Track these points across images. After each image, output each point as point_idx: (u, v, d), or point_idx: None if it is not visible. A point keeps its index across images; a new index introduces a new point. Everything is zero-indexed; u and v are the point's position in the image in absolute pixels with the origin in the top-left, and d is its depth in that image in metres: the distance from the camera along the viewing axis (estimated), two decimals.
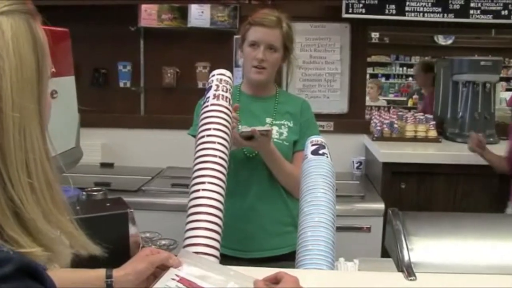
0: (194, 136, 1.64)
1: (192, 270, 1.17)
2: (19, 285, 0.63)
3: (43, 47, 0.76)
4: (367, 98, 6.23)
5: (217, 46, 3.61)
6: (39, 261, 0.68)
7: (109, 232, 1.27)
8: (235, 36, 3.43)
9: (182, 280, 1.13)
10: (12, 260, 0.64)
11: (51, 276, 0.82)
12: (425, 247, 1.56)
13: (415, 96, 6.67)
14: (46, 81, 0.77)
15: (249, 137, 1.88)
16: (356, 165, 3.55)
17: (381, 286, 1.43)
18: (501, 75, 4.87)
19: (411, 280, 1.43)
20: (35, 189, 0.71)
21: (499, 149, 3.28)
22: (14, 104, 0.69)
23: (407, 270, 1.46)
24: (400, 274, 1.47)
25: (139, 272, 1.15)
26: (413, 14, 3.35)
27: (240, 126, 1.85)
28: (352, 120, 3.63)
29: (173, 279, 1.14)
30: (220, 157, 1.52)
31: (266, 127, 1.93)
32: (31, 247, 0.69)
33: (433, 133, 3.42)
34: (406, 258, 1.49)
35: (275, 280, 1.12)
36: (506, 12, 3.33)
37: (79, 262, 1.17)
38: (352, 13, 3.36)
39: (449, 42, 8.15)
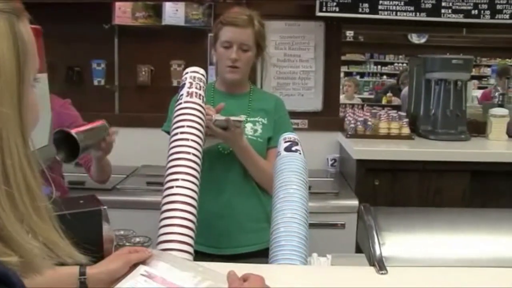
0: (168, 132, 1.65)
1: (162, 266, 1.17)
2: None
3: (26, 48, 0.73)
4: (344, 96, 6.30)
5: (192, 44, 3.60)
6: (12, 267, 0.66)
7: (82, 229, 1.26)
8: (210, 34, 3.43)
9: (151, 276, 1.13)
10: None
11: None
12: (397, 241, 1.59)
13: (389, 94, 6.74)
14: (28, 83, 0.74)
15: (224, 127, 1.89)
16: (330, 163, 3.58)
17: (353, 280, 1.45)
18: (473, 73, 4.95)
19: (382, 274, 1.46)
20: (13, 196, 0.69)
21: (470, 146, 3.34)
22: None
23: (379, 264, 1.48)
24: (372, 268, 1.49)
25: (113, 270, 1.15)
26: (386, 12, 3.39)
27: (214, 116, 1.86)
28: (327, 118, 3.65)
29: (142, 274, 1.13)
30: (194, 154, 1.54)
31: (239, 118, 1.94)
32: (5, 255, 0.66)
33: (406, 130, 3.46)
34: (377, 252, 1.51)
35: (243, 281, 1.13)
36: (476, 11, 3.39)
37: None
38: (326, 11, 3.38)
39: (423, 41, 8.27)
